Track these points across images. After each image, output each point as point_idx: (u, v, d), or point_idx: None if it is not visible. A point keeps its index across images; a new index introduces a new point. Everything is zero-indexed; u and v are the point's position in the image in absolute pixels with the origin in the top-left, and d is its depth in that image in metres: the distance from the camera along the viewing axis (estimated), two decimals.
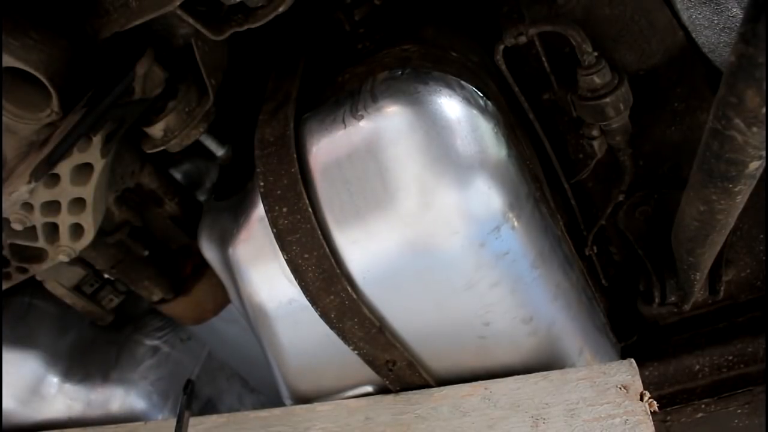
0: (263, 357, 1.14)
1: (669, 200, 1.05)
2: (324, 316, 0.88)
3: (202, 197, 1.25)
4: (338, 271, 0.85)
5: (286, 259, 0.86)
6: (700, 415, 1.10)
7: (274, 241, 0.86)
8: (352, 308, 0.87)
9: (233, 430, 0.99)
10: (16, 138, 0.94)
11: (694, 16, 0.99)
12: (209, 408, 1.27)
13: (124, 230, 1.02)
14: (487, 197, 0.83)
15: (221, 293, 1.13)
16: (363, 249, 0.85)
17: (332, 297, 0.87)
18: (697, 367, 1.11)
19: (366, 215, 0.84)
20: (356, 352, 0.91)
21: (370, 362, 0.92)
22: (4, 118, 0.91)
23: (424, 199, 0.82)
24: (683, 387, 1.12)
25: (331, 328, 0.89)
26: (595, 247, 1.11)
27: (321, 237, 0.84)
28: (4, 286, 0.99)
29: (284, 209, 0.85)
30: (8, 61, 0.85)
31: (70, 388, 1.16)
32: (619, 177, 1.04)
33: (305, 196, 0.84)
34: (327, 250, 0.85)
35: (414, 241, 0.84)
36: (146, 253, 1.07)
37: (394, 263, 0.85)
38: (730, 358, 1.09)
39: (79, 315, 1.16)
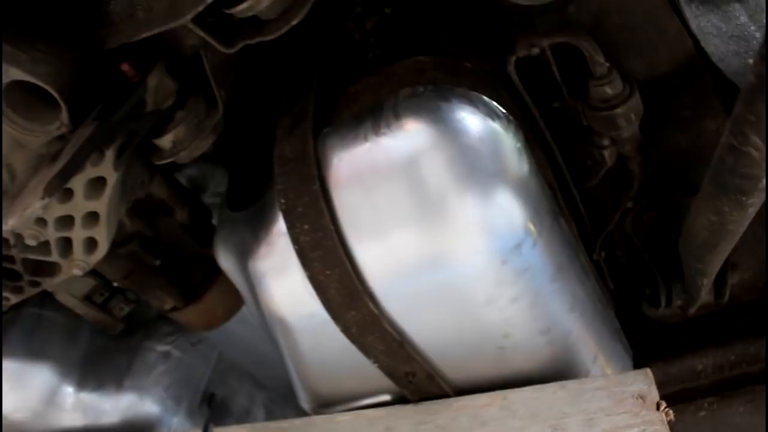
0: (275, 356, 1.15)
1: (675, 206, 1.07)
2: (345, 331, 0.89)
3: (207, 200, 1.25)
4: (360, 287, 0.86)
5: (308, 276, 0.86)
6: (702, 413, 1.14)
7: (295, 256, 0.87)
8: (374, 323, 0.88)
9: None
10: (25, 151, 0.92)
11: (702, 24, 1.00)
12: (222, 409, 1.28)
13: (135, 241, 1.02)
14: (509, 215, 0.84)
15: (231, 299, 1.13)
16: (385, 265, 0.86)
17: (354, 312, 0.87)
18: (700, 366, 1.15)
19: (388, 231, 0.85)
20: (376, 365, 0.92)
21: (390, 374, 0.93)
22: (13, 132, 0.89)
23: (446, 216, 0.83)
24: (686, 386, 1.15)
25: (353, 342, 0.90)
26: (603, 253, 1.13)
27: (343, 254, 0.85)
28: (16, 300, 0.98)
29: (306, 226, 0.86)
30: (17, 74, 0.84)
31: (84, 397, 1.17)
32: (628, 184, 1.06)
33: (327, 213, 0.84)
34: (349, 266, 0.85)
35: (436, 258, 0.85)
36: (158, 262, 1.06)
37: (416, 279, 0.86)
38: (733, 358, 1.13)
39: (89, 323, 1.16)
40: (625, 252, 1.16)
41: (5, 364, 1.15)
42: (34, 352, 1.16)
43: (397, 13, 1.00)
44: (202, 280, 1.11)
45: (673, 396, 1.10)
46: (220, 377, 1.29)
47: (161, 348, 1.23)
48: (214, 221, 1.13)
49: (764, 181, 0.76)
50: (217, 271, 1.11)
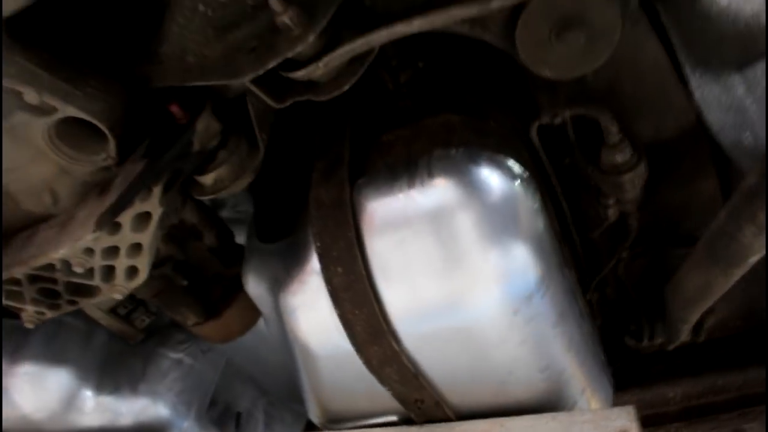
0: (277, 364, 1.24)
1: (665, 255, 1.18)
2: (367, 363, 0.97)
3: (224, 215, 1.30)
4: (384, 326, 0.94)
5: (338, 314, 0.94)
6: None
7: (326, 293, 0.94)
8: (393, 358, 0.96)
9: None
10: (70, 178, 0.97)
11: (705, 94, 1.08)
12: (227, 413, 1.36)
13: (168, 264, 1.07)
14: (524, 270, 0.93)
15: (248, 316, 1.20)
16: (408, 307, 0.94)
17: (376, 348, 0.96)
18: (671, 394, 1.27)
19: (414, 278, 0.93)
20: (390, 392, 1.01)
21: (401, 400, 1.02)
22: (59, 160, 0.94)
23: (468, 268, 0.91)
24: (657, 411, 1.28)
25: (372, 372, 0.98)
26: (596, 294, 1.23)
27: (372, 296, 0.93)
28: (51, 316, 1.03)
29: (339, 269, 0.93)
30: (72, 111, 0.88)
31: (102, 400, 1.23)
32: (625, 235, 1.15)
33: (360, 258, 0.92)
34: (376, 307, 0.93)
35: (456, 304, 0.93)
36: (185, 282, 1.12)
37: (436, 321, 0.95)
38: (701, 388, 1.25)
39: (105, 329, 1.21)
40: (614, 290, 1.26)
41: (27, 366, 1.20)
42: (54, 355, 1.21)
43: (430, 68, 1.06)
44: (222, 297, 1.17)
45: (644, 420, 1.21)
46: (226, 382, 1.36)
47: (174, 355, 1.29)
48: (237, 241, 1.19)
49: (751, 259, 0.87)
50: (236, 290, 1.18)
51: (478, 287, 0.92)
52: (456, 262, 0.91)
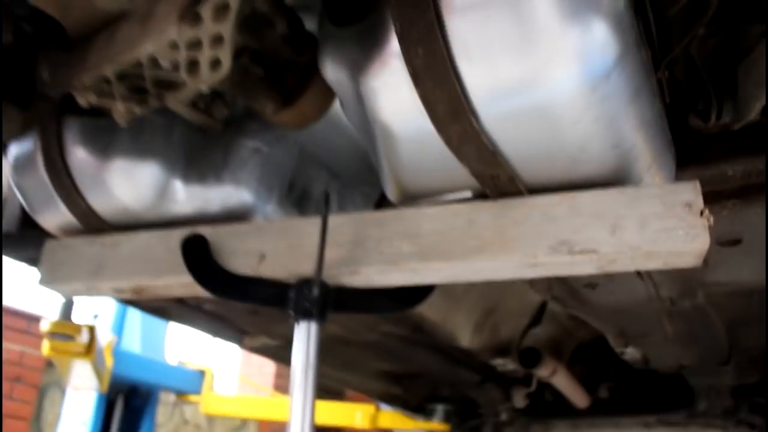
0: (347, 148, 1.31)
1: (741, 32, 1.15)
2: (447, 141, 1.02)
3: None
4: (465, 106, 0.98)
5: (419, 94, 0.98)
6: (725, 212, 1.33)
7: (407, 75, 0.97)
8: (473, 136, 1.01)
9: (352, 227, 1.19)
10: None
11: None
12: (305, 197, 1.45)
13: (245, 55, 1.09)
14: (603, 47, 0.92)
15: (322, 101, 1.23)
16: (489, 87, 0.97)
17: (457, 126, 1.00)
18: (731, 172, 1.31)
19: (495, 57, 0.94)
20: (468, 169, 1.07)
21: (478, 176, 1.08)
22: None
23: (548, 45, 0.92)
24: (715, 188, 1.33)
25: (452, 151, 1.04)
26: (666, 72, 1.22)
27: (453, 75, 0.95)
28: (141, 111, 1.09)
29: (420, 50, 0.94)
30: None
31: (191, 189, 1.32)
32: (702, 12, 1.12)
33: (440, 38, 0.93)
34: (458, 87, 0.96)
35: (535, 83, 0.95)
36: (261, 72, 1.15)
37: (515, 99, 0.97)
38: (760, 167, 1.29)
39: (185, 123, 1.27)
40: (685, 69, 1.25)
41: (119, 161, 1.28)
42: (142, 150, 1.29)
43: None
44: (296, 85, 1.20)
45: (704, 195, 1.25)
46: (302, 168, 1.44)
47: (252, 144, 1.35)
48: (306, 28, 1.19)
49: None
50: (310, 76, 1.21)
51: (557, 65, 0.93)
52: (535, 40, 0.91)
